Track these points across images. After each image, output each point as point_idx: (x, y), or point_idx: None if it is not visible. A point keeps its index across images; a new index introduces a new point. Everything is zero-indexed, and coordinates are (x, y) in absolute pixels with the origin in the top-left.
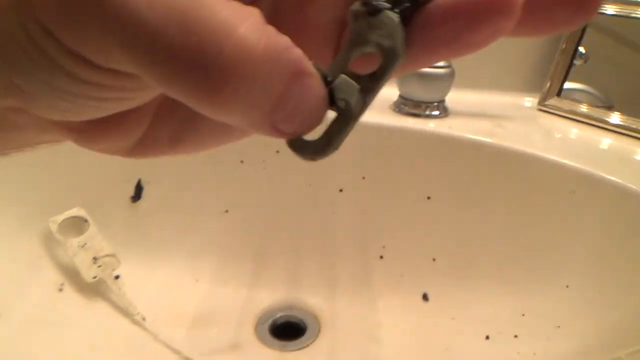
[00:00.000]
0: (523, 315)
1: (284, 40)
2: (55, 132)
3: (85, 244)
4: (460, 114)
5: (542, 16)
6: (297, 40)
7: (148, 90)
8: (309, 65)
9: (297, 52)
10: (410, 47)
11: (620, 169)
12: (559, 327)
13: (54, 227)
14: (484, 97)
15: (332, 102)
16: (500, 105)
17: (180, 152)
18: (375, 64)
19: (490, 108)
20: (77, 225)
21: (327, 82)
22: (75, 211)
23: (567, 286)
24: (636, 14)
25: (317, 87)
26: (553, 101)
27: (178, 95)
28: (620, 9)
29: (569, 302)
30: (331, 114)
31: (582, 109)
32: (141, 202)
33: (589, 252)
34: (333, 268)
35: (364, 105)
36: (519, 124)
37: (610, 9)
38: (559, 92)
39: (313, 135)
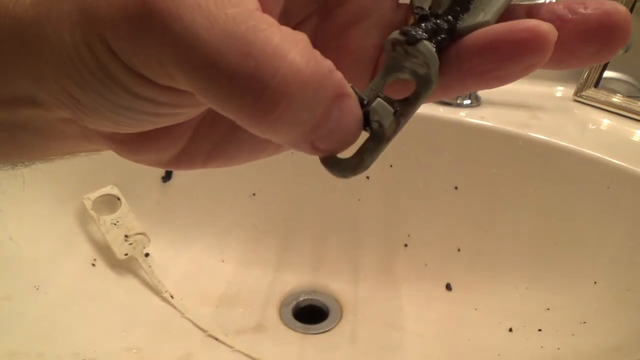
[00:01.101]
0: (548, 309)
1: (328, 64)
2: (98, 142)
3: (117, 221)
4: (492, 103)
5: (568, 54)
6: (336, 64)
7: (199, 107)
8: (348, 87)
9: (339, 75)
10: (443, 76)
11: None
12: (584, 323)
13: (88, 204)
14: (517, 86)
15: (366, 124)
16: (534, 95)
17: (214, 167)
18: (408, 90)
19: (523, 98)
20: (110, 203)
21: (363, 105)
22: (108, 189)
23: (595, 282)
24: None
25: (354, 109)
26: (590, 92)
27: (229, 113)
28: None
29: (596, 298)
30: (364, 135)
31: (620, 101)
32: (171, 183)
33: (619, 249)
34: (357, 254)
35: (396, 128)
36: (554, 116)
37: None
38: (597, 83)
39: (345, 154)
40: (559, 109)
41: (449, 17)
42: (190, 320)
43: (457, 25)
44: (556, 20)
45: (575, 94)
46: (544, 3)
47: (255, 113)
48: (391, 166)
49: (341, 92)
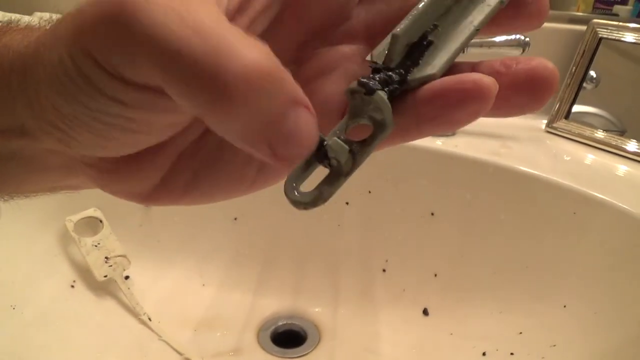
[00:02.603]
0: (520, 333)
1: (287, 74)
2: (80, 173)
3: (98, 243)
4: (467, 133)
5: (503, 102)
6: None
7: (171, 115)
8: (307, 101)
9: (298, 89)
10: (403, 121)
11: (622, 192)
12: (554, 346)
13: (70, 226)
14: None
15: (325, 161)
16: (509, 126)
17: (189, 202)
18: (367, 133)
19: (498, 129)
20: (92, 225)
21: (322, 143)
22: (91, 212)
23: (564, 306)
24: None
25: (311, 120)
26: (561, 123)
27: (194, 104)
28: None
29: (565, 322)
30: (325, 172)
31: (589, 132)
32: (154, 207)
33: (587, 273)
34: (336, 279)
35: (354, 165)
36: (525, 145)
37: (629, 36)
38: (567, 114)
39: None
40: (531, 139)
41: (401, 70)
42: (167, 343)
43: (408, 77)
44: (493, 74)
45: (547, 125)
46: (485, 60)
47: (217, 101)
48: (370, 192)
49: (299, 100)
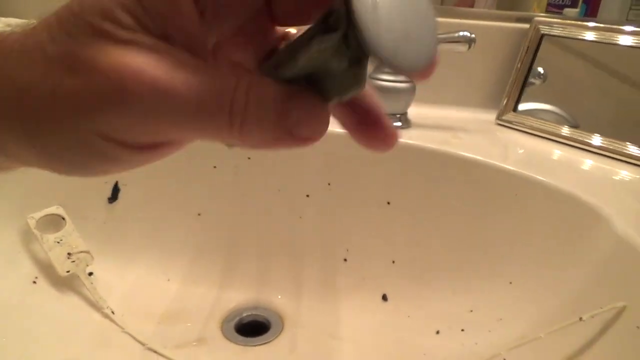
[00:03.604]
0: (471, 311)
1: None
2: (17, 160)
3: (61, 239)
4: (421, 126)
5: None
6: None
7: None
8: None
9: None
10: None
11: (559, 174)
12: (501, 319)
13: (32, 224)
14: (447, 112)
15: None
16: (461, 120)
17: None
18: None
19: (451, 122)
20: (55, 222)
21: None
22: (54, 209)
23: (510, 283)
24: (613, 39)
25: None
26: (509, 116)
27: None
28: (599, 35)
29: (511, 297)
30: None
31: (535, 123)
32: (117, 203)
33: (529, 250)
34: (299, 270)
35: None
36: (475, 135)
37: (571, 33)
38: (515, 108)
39: None
40: (481, 130)
41: None
42: (130, 335)
43: None
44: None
45: (497, 117)
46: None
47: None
48: (329, 184)
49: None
